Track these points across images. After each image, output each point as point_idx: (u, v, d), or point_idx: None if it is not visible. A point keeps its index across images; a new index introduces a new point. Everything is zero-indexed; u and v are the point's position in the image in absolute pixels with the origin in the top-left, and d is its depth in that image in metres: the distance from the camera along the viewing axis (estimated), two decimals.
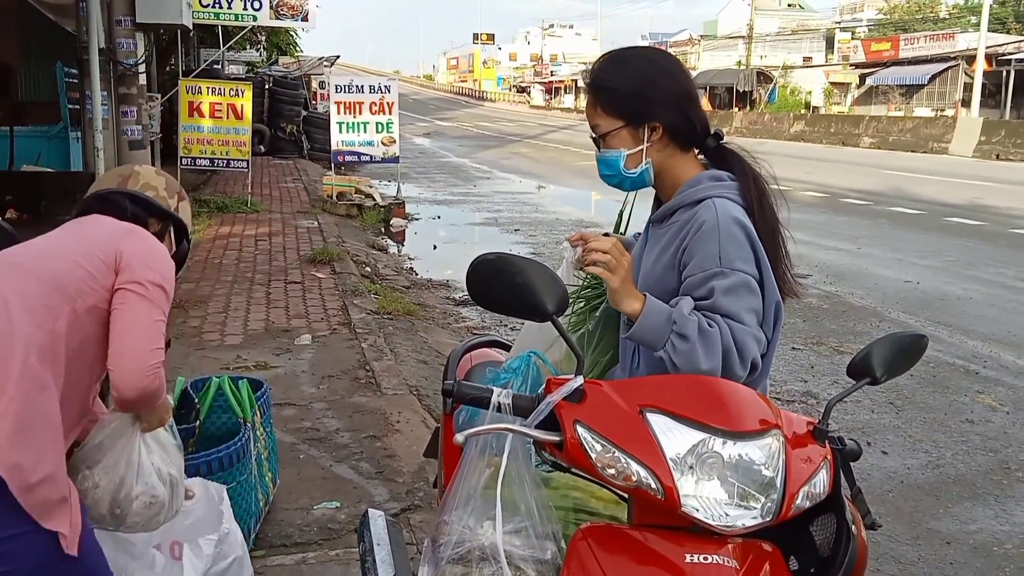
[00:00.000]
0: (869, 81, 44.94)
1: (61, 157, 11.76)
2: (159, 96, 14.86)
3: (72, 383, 2.07)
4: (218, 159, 12.49)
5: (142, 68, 11.62)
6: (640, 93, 1.97)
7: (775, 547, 1.62)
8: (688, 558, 1.52)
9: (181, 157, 12.34)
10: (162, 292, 2.18)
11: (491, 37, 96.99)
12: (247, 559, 2.85)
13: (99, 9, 10.13)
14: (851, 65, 47.60)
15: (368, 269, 9.01)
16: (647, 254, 2.04)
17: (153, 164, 13.33)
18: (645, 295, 1.87)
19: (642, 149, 1.99)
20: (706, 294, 1.83)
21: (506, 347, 2.70)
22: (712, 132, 2.04)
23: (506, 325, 6.90)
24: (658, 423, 1.55)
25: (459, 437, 1.59)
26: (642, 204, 2.27)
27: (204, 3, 13.73)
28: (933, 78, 40.41)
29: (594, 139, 2.06)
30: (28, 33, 13.62)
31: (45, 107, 12.54)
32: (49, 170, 11.49)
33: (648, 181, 2.04)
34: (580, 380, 1.61)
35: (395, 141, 13.47)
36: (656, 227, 2.05)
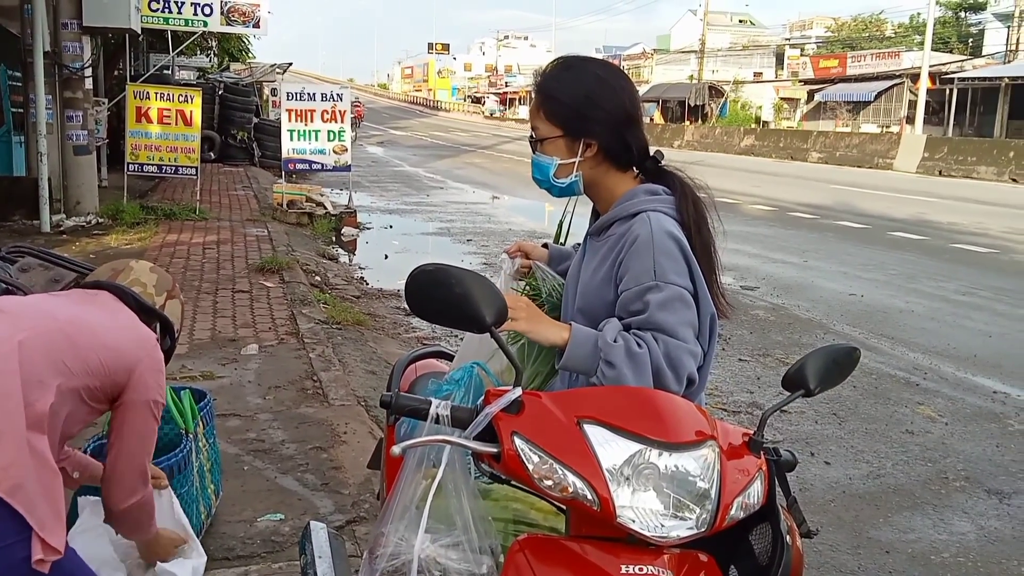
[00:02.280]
0: (817, 97, 45.85)
1: (3, 162, 11.52)
2: (106, 101, 14.64)
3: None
4: (166, 166, 12.31)
5: (88, 72, 11.46)
6: (581, 110, 1.98)
7: (711, 557, 1.63)
8: (624, 569, 1.52)
9: (128, 163, 12.16)
10: (161, 408, 2.38)
11: (446, 47, 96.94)
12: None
13: (44, 11, 9.97)
14: (800, 81, 48.54)
15: (318, 278, 8.93)
16: (585, 267, 2.05)
17: (99, 170, 13.13)
18: (571, 324, 1.89)
19: (574, 162, 2.01)
20: (641, 308, 1.85)
21: (451, 358, 2.69)
22: (651, 155, 2.05)
23: (456, 336, 6.87)
24: (595, 434, 1.55)
25: (395, 449, 1.57)
26: (583, 215, 2.28)
27: (153, 7, 13.57)
28: (879, 95, 41.37)
29: (531, 140, 2.07)
30: None
31: None
32: None
33: (577, 191, 2.07)
34: (518, 391, 1.61)
35: (347, 149, 13.40)
36: (594, 239, 2.07)
